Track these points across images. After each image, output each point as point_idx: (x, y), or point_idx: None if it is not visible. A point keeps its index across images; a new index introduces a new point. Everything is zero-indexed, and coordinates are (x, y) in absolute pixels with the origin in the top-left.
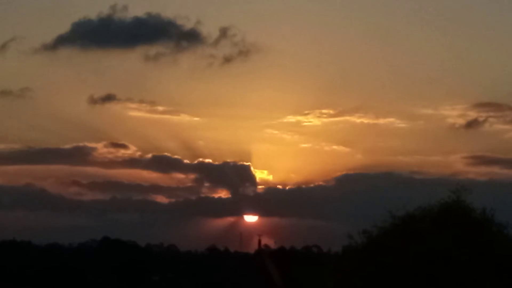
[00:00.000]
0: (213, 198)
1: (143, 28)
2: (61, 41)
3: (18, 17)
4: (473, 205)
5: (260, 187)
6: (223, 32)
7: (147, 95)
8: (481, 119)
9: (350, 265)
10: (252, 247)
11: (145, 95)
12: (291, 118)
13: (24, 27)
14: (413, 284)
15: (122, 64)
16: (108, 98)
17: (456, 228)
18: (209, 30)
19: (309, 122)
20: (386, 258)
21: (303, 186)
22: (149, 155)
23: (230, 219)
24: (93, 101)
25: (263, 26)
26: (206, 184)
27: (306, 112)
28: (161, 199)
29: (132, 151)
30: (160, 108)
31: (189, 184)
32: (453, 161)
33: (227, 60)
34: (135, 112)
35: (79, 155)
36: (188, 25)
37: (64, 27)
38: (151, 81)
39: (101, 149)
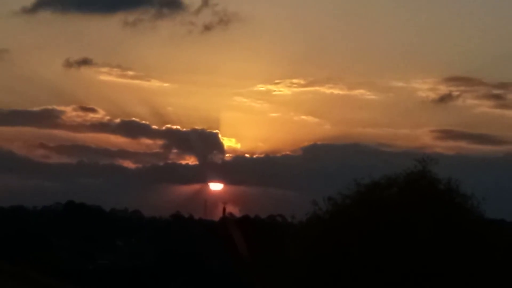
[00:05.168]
0: (180, 164)
1: None
2: (41, 4)
3: None
4: (438, 177)
5: (227, 155)
6: (205, 1)
7: (124, 60)
8: (451, 93)
9: (313, 232)
10: (217, 215)
11: (122, 60)
12: (261, 87)
13: None
14: (378, 252)
15: (101, 29)
16: (84, 62)
17: (421, 197)
18: None
19: (279, 91)
20: (351, 226)
21: (271, 155)
22: (118, 120)
23: (196, 186)
24: (68, 64)
25: None
26: (174, 151)
27: (277, 81)
28: (128, 164)
29: (101, 115)
30: (131, 73)
31: (157, 150)
32: (421, 135)
33: (207, 28)
34: (106, 77)
35: (48, 117)
36: None
37: None
38: (129, 47)
39: (69, 112)
